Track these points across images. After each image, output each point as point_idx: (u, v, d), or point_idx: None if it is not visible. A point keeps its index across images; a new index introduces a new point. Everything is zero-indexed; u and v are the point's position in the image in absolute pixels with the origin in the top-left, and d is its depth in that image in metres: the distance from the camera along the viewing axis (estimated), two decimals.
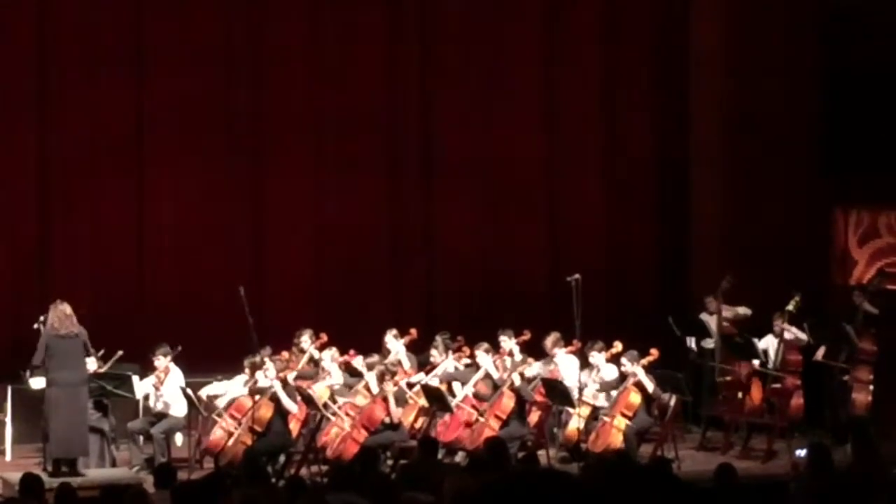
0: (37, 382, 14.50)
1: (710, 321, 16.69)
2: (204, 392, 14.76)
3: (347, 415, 14.38)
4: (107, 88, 17.06)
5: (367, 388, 14.57)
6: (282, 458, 14.23)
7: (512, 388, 14.50)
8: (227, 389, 14.80)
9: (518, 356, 15.17)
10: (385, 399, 14.24)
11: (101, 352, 14.49)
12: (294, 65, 17.81)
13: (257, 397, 14.27)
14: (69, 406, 13.72)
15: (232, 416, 14.34)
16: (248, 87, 17.65)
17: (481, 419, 14.47)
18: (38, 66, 16.98)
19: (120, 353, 14.74)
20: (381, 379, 14.38)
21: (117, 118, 17.15)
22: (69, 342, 13.76)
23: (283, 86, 17.75)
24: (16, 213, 16.98)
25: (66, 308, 13.85)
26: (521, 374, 14.67)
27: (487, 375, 14.84)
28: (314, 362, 15.48)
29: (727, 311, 16.46)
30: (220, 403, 14.54)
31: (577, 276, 14.32)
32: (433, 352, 15.51)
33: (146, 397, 15.03)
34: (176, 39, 17.27)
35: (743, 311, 16.50)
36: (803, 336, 15.56)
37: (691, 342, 16.77)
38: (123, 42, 17.20)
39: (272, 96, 17.74)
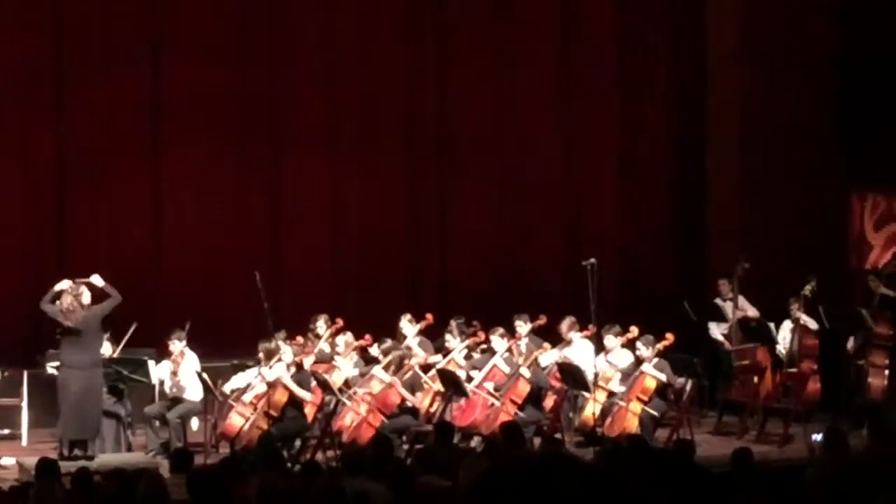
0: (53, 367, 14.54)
1: (725, 306, 16.63)
2: (227, 387, 14.71)
3: (363, 400, 14.36)
4: (124, 74, 17.07)
5: (385, 369, 14.56)
6: (297, 443, 14.24)
7: (528, 377, 14.50)
8: (248, 381, 14.72)
9: (524, 346, 15.07)
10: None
11: (108, 334, 14.56)
12: (310, 51, 17.81)
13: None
14: (80, 388, 13.76)
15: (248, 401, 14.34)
16: (264, 73, 17.65)
17: (497, 403, 14.46)
18: (56, 53, 17.00)
19: (135, 325, 14.80)
20: (395, 370, 14.35)
21: (135, 104, 17.18)
22: (80, 327, 13.77)
23: (300, 72, 17.75)
24: (34, 200, 16.99)
25: (82, 296, 13.85)
26: (536, 362, 14.65)
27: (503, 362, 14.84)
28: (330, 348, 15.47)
29: (742, 304, 16.34)
30: (247, 398, 14.40)
31: (592, 260, 14.29)
32: (448, 337, 15.47)
33: (161, 382, 15.05)
34: (193, 24, 17.27)
35: (752, 311, 16.34)
36: (814, 325, 15.50)
37: (713, 328, 16.64)
38: (140, 28, 17.21)
39: (288, 82, 17.74)
